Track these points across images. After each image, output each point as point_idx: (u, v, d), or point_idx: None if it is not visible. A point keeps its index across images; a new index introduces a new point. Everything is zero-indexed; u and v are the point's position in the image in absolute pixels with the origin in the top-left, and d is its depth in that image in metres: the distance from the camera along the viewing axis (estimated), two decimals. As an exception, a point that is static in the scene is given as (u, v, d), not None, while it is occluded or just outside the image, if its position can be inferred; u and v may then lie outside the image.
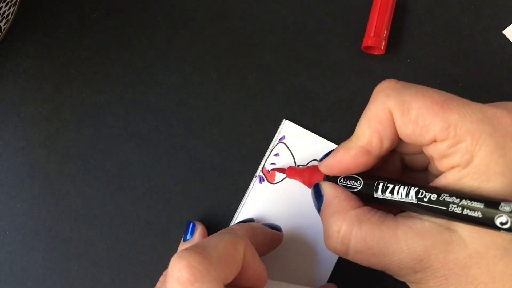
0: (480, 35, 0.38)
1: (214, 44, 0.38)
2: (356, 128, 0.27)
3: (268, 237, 0.31)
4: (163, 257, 0.35)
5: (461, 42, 0.38)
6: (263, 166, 0.36)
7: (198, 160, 0.36)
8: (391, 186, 0.26)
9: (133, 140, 0.37)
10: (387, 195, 0.26)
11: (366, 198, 0.28)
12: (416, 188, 0.25)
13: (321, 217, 0.28)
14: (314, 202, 0.30)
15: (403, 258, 0.24)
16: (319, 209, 0.29)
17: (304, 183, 0.32)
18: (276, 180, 0.36)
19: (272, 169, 0.36)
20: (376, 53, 0.38)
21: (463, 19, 0.38)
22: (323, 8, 0.39)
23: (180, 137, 0.37)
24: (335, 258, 0.34)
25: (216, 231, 0.32)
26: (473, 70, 0.37)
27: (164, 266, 0.34)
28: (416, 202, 0.24)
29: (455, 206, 0.23)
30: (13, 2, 0.37)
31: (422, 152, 0.27)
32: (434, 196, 0.24)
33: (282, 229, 0.34)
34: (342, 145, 0.28)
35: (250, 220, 0.35)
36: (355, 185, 0.28)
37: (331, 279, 0.34)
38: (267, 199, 0.35)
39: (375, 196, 0.27)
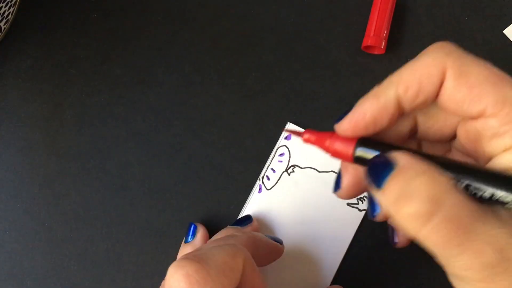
0: (480, 35, 0.38)
1: (214, 44, 0.38)
2: (390, 75, 0.24)
3: (268, 248, 0.31)
4: (163, 257, 0.35)
5: (461, 42, 0.38)
6: (265, 174, 0.36)
7: (198, 160, 0.36)
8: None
9: (133, 140, 0.37)
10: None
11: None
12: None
13: (391, 184, 0.21)
14: (369, 181, 0.22)
15: (485, 246, 0.20)
16: (380, 183, 0.22)
17: (328, 150, 0.25)
18: (270, 185, 0.36)
19: (287, 130, 0.28)
20: (376, 53, 0.38)
21: (463, 19, 0.38)
22: (323, 8, 0.39)
23: (180, 137, 0.37)
24: (337, 263, 0.34)
25: (216, 232, 0.32)
26: (473, 70, 0.37)
27: (164, 266, 0.34)
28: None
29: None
30: (13, 2, 0.37)
31: (445, 138, 0.25)
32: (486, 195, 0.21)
33: (283, 235, 0.34)
34: (369, 94, 0.24)
35: (248, 218, 0.34)
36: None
37: (333, 283, 0.34)
38: (266, 208, 0.35)
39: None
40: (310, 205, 0.35)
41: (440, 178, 0.21)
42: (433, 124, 0.26)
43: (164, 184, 0.36)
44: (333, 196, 0.27)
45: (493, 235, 0.20)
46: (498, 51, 0.38)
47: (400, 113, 0.24)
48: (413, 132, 0.27)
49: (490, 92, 0.22)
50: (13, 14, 0.38)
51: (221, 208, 0.36)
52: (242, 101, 0.37)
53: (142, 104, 0.37)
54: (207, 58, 0.38)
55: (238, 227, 0.33)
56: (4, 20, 0.37)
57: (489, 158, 0.23)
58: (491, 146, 0.22)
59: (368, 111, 0.24)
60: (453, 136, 0.26)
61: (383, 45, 0.37)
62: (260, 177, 0.36)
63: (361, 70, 0.37)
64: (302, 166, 0.36)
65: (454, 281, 0.22)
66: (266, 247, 0.31)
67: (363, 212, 0.35)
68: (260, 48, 0.38)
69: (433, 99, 0.24)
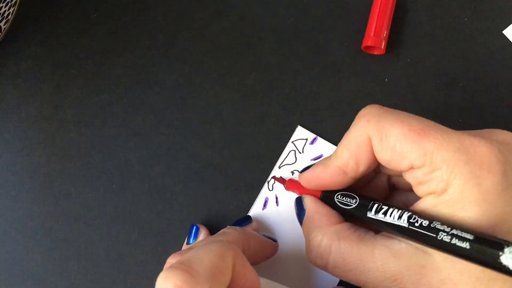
0: (480, 35, 0.38)
1: (214, 44, 0.38)
2: (337, 148, 0.28)
3: (261, 244, 0.31)
4: (163, 257, 0.35)
5: (461, 42, 0.38)
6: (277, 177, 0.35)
7: (198, 160, 0.36)
8: (385, 207, 0.26)
9: (133, 140, 0.37)
10: (380, 216, 0.26)
11: (354, 217, 0.28)
12: (410, 213, 0.25)
13: (303, 230, 0.29)
14: (296, 214, 0.30)
15: (378, 276, 0.25)
16: (301, 222, 0.30)
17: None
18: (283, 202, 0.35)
19: (273, 177, 0.36)
20: (376, 53, 0.38)
21: (463, 19, 0.38)
22: (323, 8, 0.39)
23: (180, 137, 0.37)
24: None
25: (216, 231, 0.32)
26: (473, 70, 0.37)
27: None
28: (407, 226, 0.25)
29: (445, 234, 0.23)
30: (13, 2, 0.37)
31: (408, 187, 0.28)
32: (425, 222, 0.24)
33: (284, 239, 0.34)
34: (321, 162, 0.29)
35: (247, 218, 0.34)
36: (350, 203, 0.28)
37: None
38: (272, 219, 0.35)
39: (367, 215, 0.27)
40: None
41: (328, 230, 0.27)
42: (395, 177, 0.30)
43: (164, 184, 0.36)
44: None
45: (382, 266, 0.25)
46: (497, 52, 0.38)
47: (353, 178, 0.28)
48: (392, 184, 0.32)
49: (411, 149, 0.24)
50: (13, 14, 0.38)
51: (221, 208, 0.36)
52: (242, 101, 0.37)
53: (142, 104, 0.37)
54: (207, 58, 0.38)
55: (237, 227, 0.33)
56: (4, 20, 0.37)
57: (419, 198, 0.26)
58: (418, 190, 0.25)
59: (320, 177, 0.29)
60: None
61: (383, 45, 0.37)
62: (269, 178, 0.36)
63: (361, 70, 0.37)
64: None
65: None
66: (259, 244, 0.31)
67: None
68: (260, 48, 0.38)
69: (376, 162, 0.27)
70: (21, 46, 0.38)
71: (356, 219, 0.28)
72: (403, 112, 0.26)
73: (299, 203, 0.30)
